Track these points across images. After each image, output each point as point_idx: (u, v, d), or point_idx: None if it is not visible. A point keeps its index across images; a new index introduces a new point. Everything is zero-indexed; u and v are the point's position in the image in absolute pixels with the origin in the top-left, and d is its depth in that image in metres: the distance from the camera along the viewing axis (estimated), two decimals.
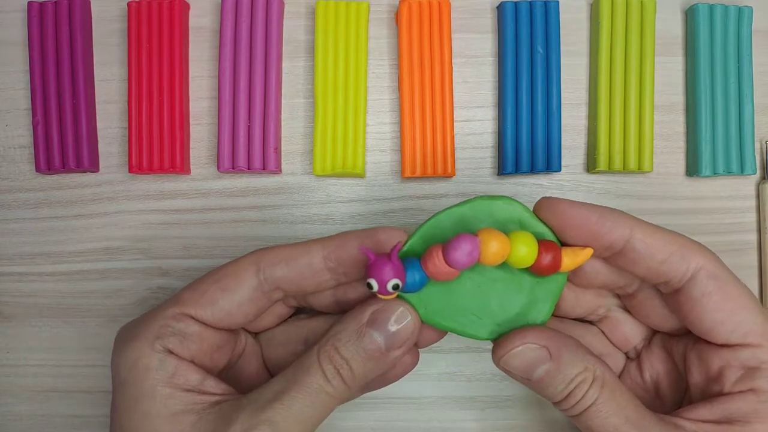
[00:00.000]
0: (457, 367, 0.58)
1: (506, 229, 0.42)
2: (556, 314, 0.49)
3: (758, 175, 0.58)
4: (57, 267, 0.58)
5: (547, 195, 0.56)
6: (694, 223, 0.58)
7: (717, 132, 0.57)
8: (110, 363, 0.44)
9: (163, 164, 0.57)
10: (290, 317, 0.51)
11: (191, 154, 0.59)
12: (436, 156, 0.56)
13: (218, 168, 0.56)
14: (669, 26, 0.59)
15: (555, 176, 0.58)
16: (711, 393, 0.43)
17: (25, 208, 0.58)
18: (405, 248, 0.43)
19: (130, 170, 0.57)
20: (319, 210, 0.58)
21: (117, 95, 0.59)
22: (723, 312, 0.42)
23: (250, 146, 0.56)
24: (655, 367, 0.48)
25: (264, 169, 0.56)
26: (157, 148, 0.57)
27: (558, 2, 0.57)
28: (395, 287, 0.39)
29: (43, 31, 0.57)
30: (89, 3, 0.59)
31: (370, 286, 0.40)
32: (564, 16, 0.58)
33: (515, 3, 0.57)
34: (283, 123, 0.58)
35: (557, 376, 0.41)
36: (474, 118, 0.59)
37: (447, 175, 0.57)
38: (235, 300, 0.44)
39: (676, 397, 0.47)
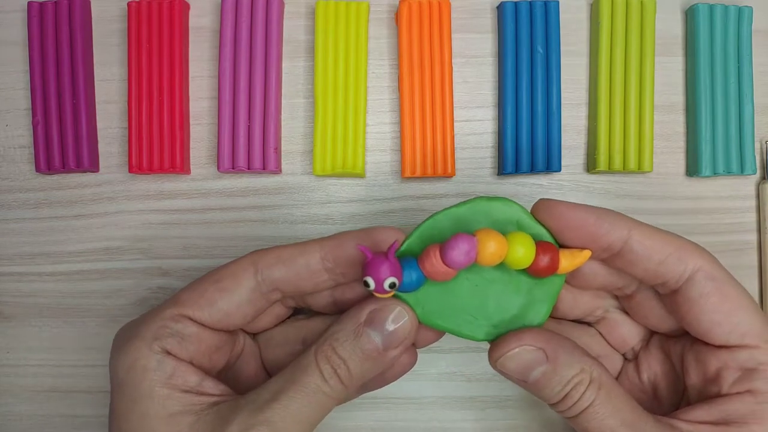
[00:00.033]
0: (457, 367, 0.58)
1: (504, 230, 0.41)
2: (554, 315, 0.49)
3: (758, 175, 0.58)
4: (57, 267, 0.58)
5: (547, 196, 0.57)
6: (694, 223, 0.58)
7: (717, 132, 0.57)
8: (108, 364, 0.44)
9: (163, 164, 0.57)
10: (288, 318, 0.51)
11: (191, 154, 0.59)
12: (436, 156, 0.56)
13: (218, 168, 0.56)
14: (669, 26, 0.59)
15: (555, 176, 0.58)
16: (708, 394, 0.43)
17: (25, 208, 0.58)
18: (403, 248, 0.43)
19: (130, 170, 0.57)
20: (319, 210, 0.58)
21: (117, 95, 0.59)
22: (720, 313, 0.42)
23: (250, 146, 0.56)
24: (653, 368, 0.48)
25: (264, 169, 0.56)
26: (157, 148, 0.57)
27: (558, 2, 0.57)
28: (392, 286, 0.39)
29: (43, 31, 0.57)
30: (89, 3, 0.59)
31: (366, 284, 0.40)
32: (564, 16, 0.58)
33: (515, 3, 0.57)
34: (283, 123, 0.58)
35: (553, 378, 0.41)
36: (474, 118, 0.59)
37: (447, 175, 0.57)
38: (233, 301, 0.44)
39: (673, 398, 0.47)
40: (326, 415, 0.43)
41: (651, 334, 0.49)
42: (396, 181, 0.58)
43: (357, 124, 0.57)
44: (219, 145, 0.56)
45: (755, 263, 0.58)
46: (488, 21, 0.59)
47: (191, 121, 0.59)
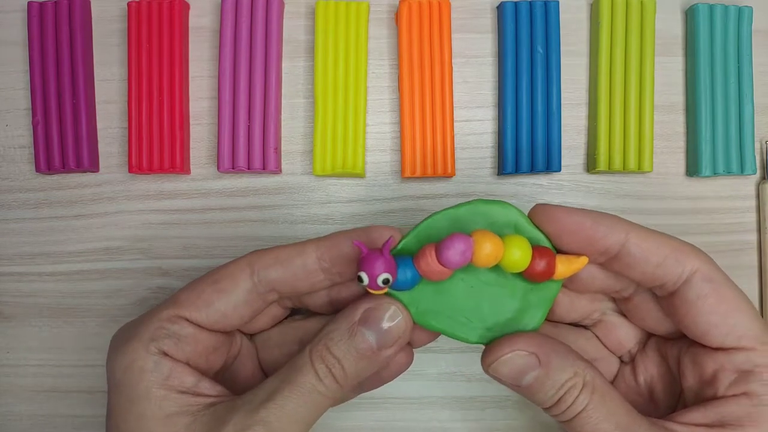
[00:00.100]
0: (457, 367, 0.58)
1: (502, 233, 0.41)
2: (550, 319, 0.49)
3: (758, 175, 0.58)
4: (57, 267, 0.58)
5: (547, 196, 0.57)
6: (694, 223, 0.58)
7: (717, 132, 0.57)
8: (104, 365, 0.44)
9: (163, 164, 0.57)
10: (285, 319, 0.51)
11: (191, 154, 0.59)
12: (436, 156, 0.56)
13: (218, 168, 0.57)
14: (669, 26, 0.59)
15: (555, 176, 0.58)
16: (705, 397, 0.43)
17: (25, 208, 0.58)
18: (399, 246, 0.43)
19: (130, 170, 0.57)
20: (319, 210, 0.58)
21: (117, 95, 0.59)
22: (718, 315, 0.42)
23: (250, 146, 0.56)
24: (650, 370, 0.48)
25: (264, 169, 0.56)
26: (157, 148, 0.57)
27: (558, 2, 0.57)
28: (385, 282, 0.39)
29: (43, 31, 0.57)
30: (89, 3, 0.59)
31: (360, 279, 0.40)
32: (564, 16, 0.58)
33: (515, 3, 0.57)
34: (283, 123, 0.58)
35: (546, 383, 0.41)
36: (474, 118, 0.59)
37: (447, 175, 0.57)
38: (230, 302, 0.44)
39: (670, 401, 0.47)
40: (322, 415, 0.43)
41: (648, 336, 0.49)
42: (396, 181, 0.58)
43: (357, 124, 0.57)
44: (219, 145, 0.56)
45: (755, 263, 0.58)
46: (488, 21, 0.59)
47: (191, 121, 0.59)
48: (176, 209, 0.58)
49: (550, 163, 0.57)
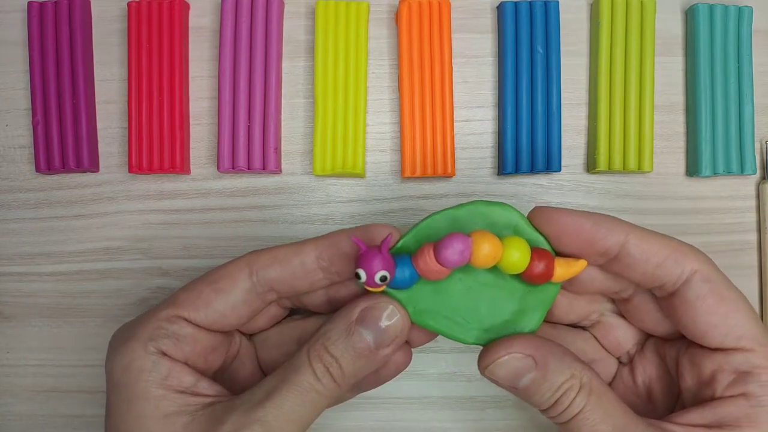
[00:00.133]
0: (457, 367, 0.58)
1: (501, 234, 0.41)
2: (549, 320, 0.49)
3: (758, 175, 0.58)
4: (57, 267, 0.58)
5: (547, 196, 0.57)
6: (694, 223, 0.58)
7: (717, 132, 0.57)
8: (104, 365, 0.44)
9: (163, 164, 0.57)
10: (284, 318, 0.51)
11: (191, 154, 0.59)
12: (436, 156, 0.56)
13: (218, 168, 0.57)
14: (669, 26, 0.59)
15: (555, 176, 0.58)
16: (703, 397, 0.43)
17: (25, 208, 0.58)
18: (398, 245, 0.43)
19: (130, 170, 0.57)
20: (319, 210, 0.58)
21: (117, 95, 0.59)
22: (717, 315, 0.42)
23: (250, 146, 0.56)
24: (648, 371, 0.48)
25: (264, 169, 0.56)
26: (157, 148, 0.57)
27: (558, 2, 0.57)
28: (383, 279, 0.39)
29: (43, 31, 0.57)
30: (89, 3, 0.59)
31: (358, 276, 0.40)
32: (564, 16, 0.58)
33: (515, 3, 0.57)
34: (283, 123, 0.58)
35: (543, 385, 0.41)
36: (474, 118, 0.59)
37: (447, 175, 0.57)
38: (229, 302, 0.44)
39: (668, 402, 0.47)
40: (320, 414, 0.43)
41: (646, 337, 0.49)
42: (396, 181, 0.58)
43: (357, 124, 0.57)
44: (219, 145, 0.56)
45: (755, 263, 0.58)
46: (488, 21, 0.59)
47: (191, 121, 0.59)
48: (176, 209, 0.58)
49: (550, 163, 0.57)
